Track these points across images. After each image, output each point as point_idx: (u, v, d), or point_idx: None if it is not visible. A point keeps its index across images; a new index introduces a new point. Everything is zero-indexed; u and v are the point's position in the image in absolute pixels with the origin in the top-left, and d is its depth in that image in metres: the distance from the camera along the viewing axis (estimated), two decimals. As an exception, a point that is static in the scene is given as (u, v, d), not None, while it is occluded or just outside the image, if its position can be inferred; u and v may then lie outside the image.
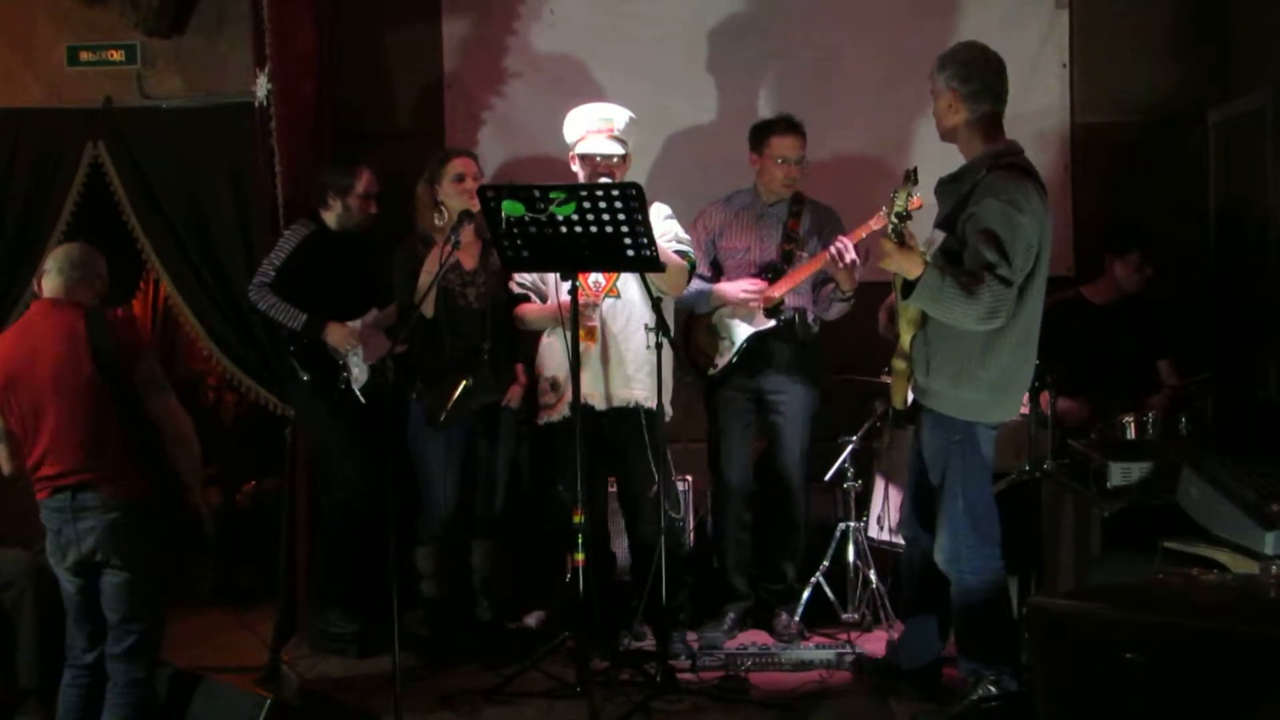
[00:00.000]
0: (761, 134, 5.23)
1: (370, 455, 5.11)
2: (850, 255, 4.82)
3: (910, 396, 4.36)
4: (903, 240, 3.98)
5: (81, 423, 4.02)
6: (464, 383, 4.96)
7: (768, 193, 5.26)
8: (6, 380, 4.07)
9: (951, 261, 4.05)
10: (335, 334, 5.17)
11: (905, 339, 4.27)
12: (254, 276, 5.21)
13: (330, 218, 5.28)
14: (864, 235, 4.84)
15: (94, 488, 4.00)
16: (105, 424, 4.04)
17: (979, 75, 4.11)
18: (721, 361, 5.20)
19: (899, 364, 4.34)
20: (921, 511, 4.39)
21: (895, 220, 3.98)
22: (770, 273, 5.18)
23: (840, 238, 4.87)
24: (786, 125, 5.19)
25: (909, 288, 4.03)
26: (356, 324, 5.22)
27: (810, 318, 5.26)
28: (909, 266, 3.99)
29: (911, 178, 3.99)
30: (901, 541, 4.84)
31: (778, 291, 5.12)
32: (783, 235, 5.23)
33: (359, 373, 5.21)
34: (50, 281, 4.19)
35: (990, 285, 3.91)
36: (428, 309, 4.88)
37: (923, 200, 4.27)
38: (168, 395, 4.13)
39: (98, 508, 4.00)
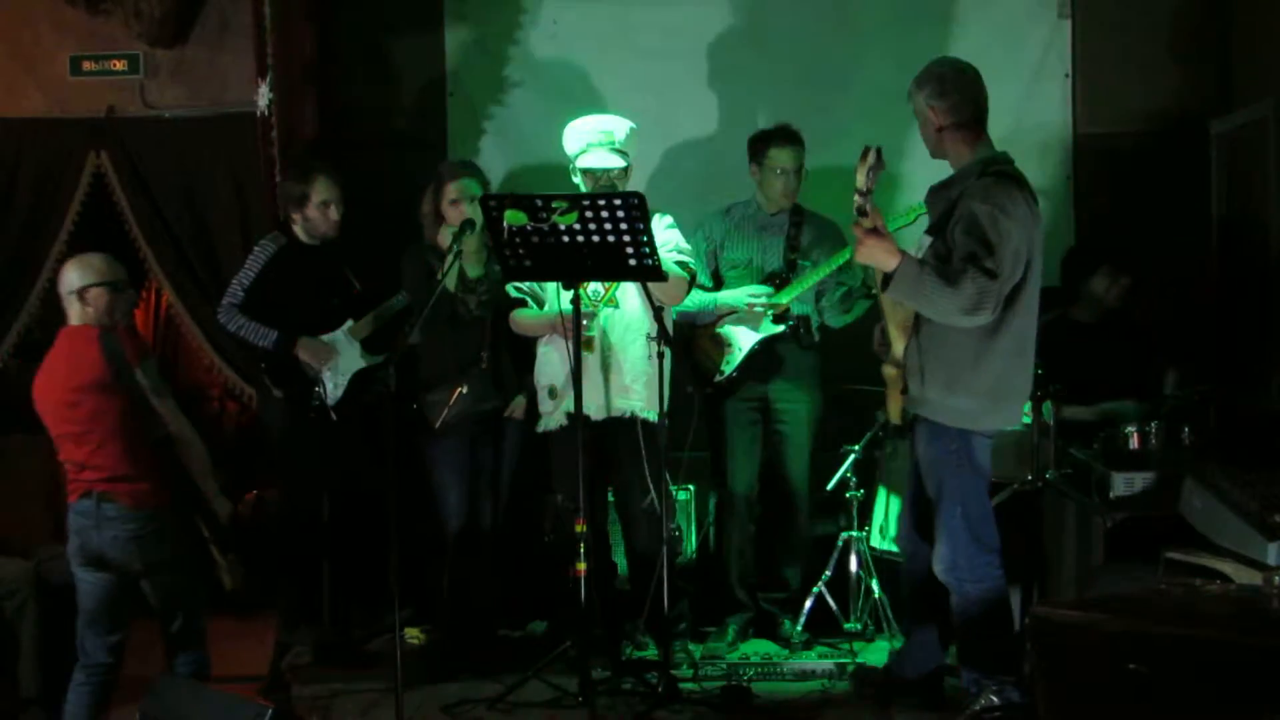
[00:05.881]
0: (760, 145, 5.23)
1: (341, 467, 5.16)
2: None
3: (909, 413, 4.36)
4: (865, 216, 3.96)
5: (106, 430, 4.12)
6: (459, 390, 4.96)
7: (768, 204, 5.26)
8: (44, 403, 4.21)
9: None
10: (307, 350, 5.16)
11: (897, 347, 4.28)
12: (222, 298, 5.18)
13: (298, 230, 5.21)
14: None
15: (114, 498, 4.10)
16: (125, 431, 4.14)
17: (956, 88, 4.13)
18: (729, 368, 5.20)
19: (890, 371, 4.34)
20: (920, 522, 4.38)
21: (857, 199, 3.97)
22: (775, 281, 5.18)
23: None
24: (784, 136, 5.19)
25: (887, 281, 4.02)
26: (333, 335, 5.21)
27: (814, 325, 5.27)
28: (884, 257, 3.98)
29: (870, 156, 3.95)
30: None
31: (787, 298, 5.13)
32: (785, 245, 5.24)
33: (333, 389, 5.21)
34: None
35: (973, 276, 3.90)
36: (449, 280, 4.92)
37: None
38: (166, 399, 4.22)
39: (118, 518, 4.10)
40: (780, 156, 5.16)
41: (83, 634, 4.22)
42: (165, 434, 4.19)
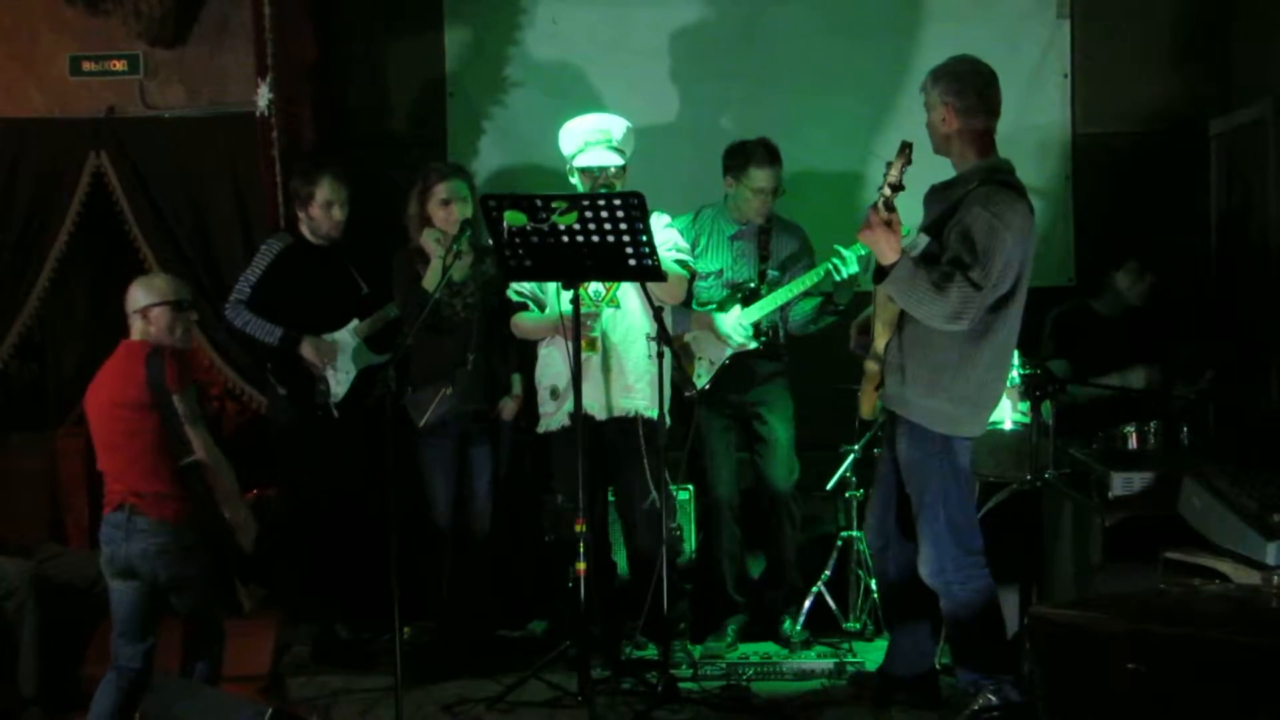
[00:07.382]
0: (740, 162, 5.19)
1: (341, 466, 5.18)
2: (850, 269, 4.85)
3: (879, 408, 4.38)
4: (891, 212, 3.99)
5: (139, 447, 4.23)
6: (444, 391, 4.97)
7: (741, 216, 5.26)
8: (91, 409, 4.33)
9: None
10: (311, 348, 5.17)
11: (880, 342, 4.29)
12: (229, 294, 5.20)
13: (304, 229, 5.26)
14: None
15: (144, 512, 4.19)
16: (157, 451, 4.23)
17: (974, 89, 4.13)
18: (701, 381, 5.20)
19: (871, 366, 4.35)
20: (901, 520, 4.38)
21: (887, 191, 3.99)
22: (742, 292, 5.19)
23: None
24: (765, 155, 5.14)
25: (881, 274, 4.05)
26: (339, 335, 5.21)
27: (781, 334, 5.29)
28: (886, 248, 4.01)
29: (907, 151, 3.99)
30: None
31: (758, 315, 5.15)
32: (757, 255, 5.25)
33: (336, 387, 5.21)
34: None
35: (960, 285, 3.92)
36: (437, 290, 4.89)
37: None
38: (199, 427, 4.30)
39: (147, 531, 4.19)
40: (760, 177, 5.13)
41: (116, 640, 4.31)
42: (195, 460, 4.27)
